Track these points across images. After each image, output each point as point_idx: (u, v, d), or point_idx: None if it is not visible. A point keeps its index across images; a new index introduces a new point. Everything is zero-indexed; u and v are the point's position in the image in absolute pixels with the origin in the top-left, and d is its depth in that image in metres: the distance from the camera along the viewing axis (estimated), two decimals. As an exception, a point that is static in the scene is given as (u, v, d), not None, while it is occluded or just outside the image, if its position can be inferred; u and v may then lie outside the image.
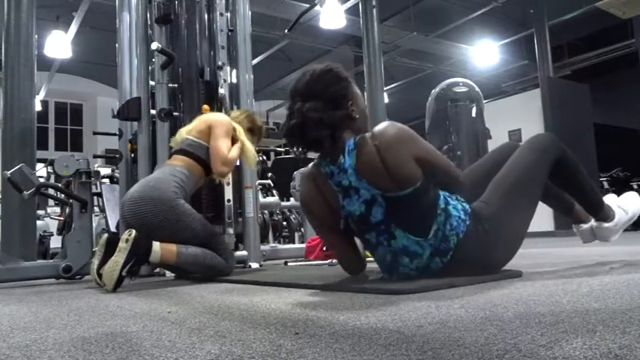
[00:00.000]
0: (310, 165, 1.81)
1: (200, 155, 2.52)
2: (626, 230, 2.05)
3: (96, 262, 2.13)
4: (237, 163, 2.77)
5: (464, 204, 1.70)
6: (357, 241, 1.85)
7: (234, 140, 2.60)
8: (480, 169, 1.95)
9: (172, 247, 2.23)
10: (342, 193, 1.68)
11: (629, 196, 2.06)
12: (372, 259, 1.83)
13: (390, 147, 1.58)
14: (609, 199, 2.02)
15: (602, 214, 1.95)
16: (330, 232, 1.83)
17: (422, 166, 1.60)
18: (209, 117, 2.68)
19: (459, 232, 1.62)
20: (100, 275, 2.07)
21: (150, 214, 2.24)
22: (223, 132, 2.54)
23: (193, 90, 3.11)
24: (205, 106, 2.95)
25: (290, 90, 1.74)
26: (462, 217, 1.65)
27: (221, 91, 3.08)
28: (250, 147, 2.67)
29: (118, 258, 2.04)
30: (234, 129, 2.61)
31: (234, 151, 2.55)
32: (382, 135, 1.61)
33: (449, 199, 1.69)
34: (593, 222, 2.00)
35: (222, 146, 2.50)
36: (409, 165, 1.58)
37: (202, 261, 2.31)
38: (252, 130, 2.81)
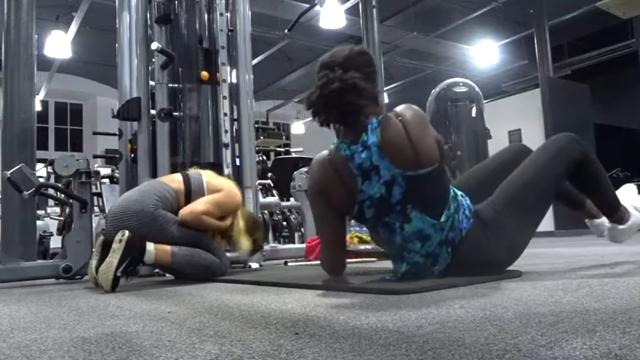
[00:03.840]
0: (326, 151, 1.76)
1: (192, 193, 2.47)
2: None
3: (94, 263, 2.13)
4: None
5: (469, 202, 1.71)
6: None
7: (225, 217, 2.51)
8: (486, 169, 1.95)
9: (167, 247, 2.25)
10: (361, 176, 1.65)
11: None
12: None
13: (415, 122, 1.62)
14: (626, 192, 1.95)
15: (617, 216, 1.89)
16: (331, 224, 1.79)
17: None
18: (229, 185, 2.60)
19: (462, 229, 1.64)
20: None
21: (133, 227, 2.22)
22: (221, 201, 2.48)
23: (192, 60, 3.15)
24: (204, 73, 2.94)
25: (323, 62, 1.76)
26: (467, 213, 1.67)
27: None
28: (241, 232, 2.59)
29: (112, 259, 2.04)
30: (235, 209, 2.56)
31: (207, 219, 2.42)
32: (407, 111, 1.65)
33: (457, 191, 1.71)
34: (607, 223, 1.95)
35: (205, 204, 2.42)
36: (431, 142, 1.61)
37: (197, 261, 2.33)
38: (249, 234, 2.69)
